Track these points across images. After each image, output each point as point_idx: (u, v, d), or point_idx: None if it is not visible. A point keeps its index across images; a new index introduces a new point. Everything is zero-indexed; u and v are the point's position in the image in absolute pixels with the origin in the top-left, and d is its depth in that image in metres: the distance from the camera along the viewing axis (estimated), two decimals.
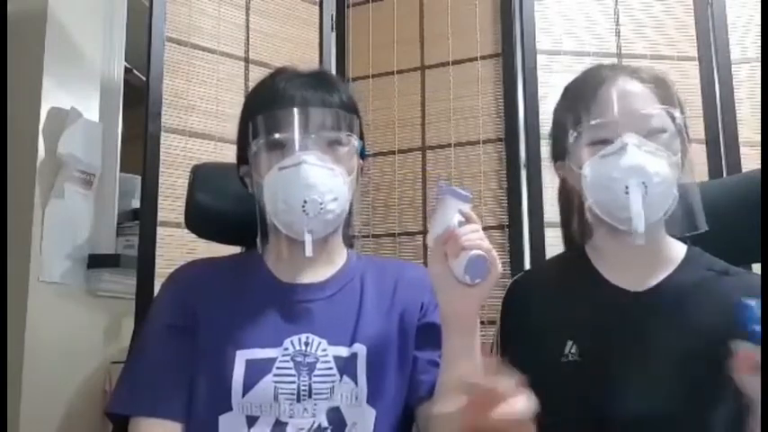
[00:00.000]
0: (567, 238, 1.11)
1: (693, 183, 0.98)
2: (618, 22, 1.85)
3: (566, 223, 1.10)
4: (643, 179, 0.90)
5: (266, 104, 0.98)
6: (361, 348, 0.96)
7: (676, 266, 0.99)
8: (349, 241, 1.13)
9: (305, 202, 0.91)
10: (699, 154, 1.76)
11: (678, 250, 1.01)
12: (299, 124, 0.95)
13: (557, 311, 1.00)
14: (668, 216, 0.96)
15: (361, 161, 1.03)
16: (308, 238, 0.92)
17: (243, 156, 1.02)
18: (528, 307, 1.03)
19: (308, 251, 0.92)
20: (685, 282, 0.97)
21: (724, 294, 0.95)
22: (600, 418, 0.92)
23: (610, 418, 0.91)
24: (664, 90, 0.97)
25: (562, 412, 0.93)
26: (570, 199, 1.06)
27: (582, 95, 0.99)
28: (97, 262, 1.89)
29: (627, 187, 0.91)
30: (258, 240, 1.01)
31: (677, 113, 0.96)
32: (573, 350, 0.95)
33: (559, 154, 1.04)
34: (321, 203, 0.92)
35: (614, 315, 0.97)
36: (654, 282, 0.98)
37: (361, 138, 1.03)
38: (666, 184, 0.92)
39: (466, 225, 0.91)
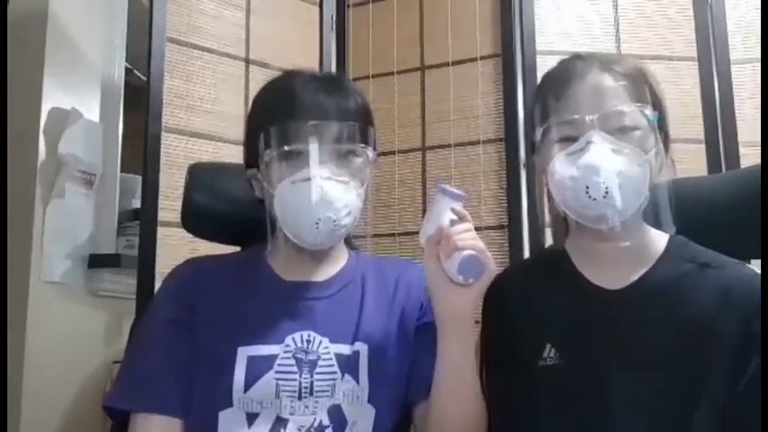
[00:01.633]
0: (553, 233, 1.10)
1: (665, 181, 0.95)
2: (618, 22, 1.85)
3: (551, 218, 1.08)
4: (604, 178, 0.88)
5: (280, 112, 0.97)
6: (362, 347, 0.97)
7: (655, 261, 0.97)
8: (350, 242, 1.13)
9: (319, 219, 0.91)
10: (698, 154, 1.76)
11: (658, 242, 0.99)
12: (314, 136, 0.93)
13: (535, 313, 0.99)
14: (642, 211, 0.94)
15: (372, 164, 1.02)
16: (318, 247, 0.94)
17: (251, 158, 1.01)
18: (506, 308, 1.01)
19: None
20: (664, 277, 0.95)
21: (704, 289, 0.93)
22: (581, 422, 0.91)
23: (591, 421, 0.90)
24: (638, 85, 0.94)
25: (541, 417, 0.92)
26: (547, 194, 1.03)
27: (552, 90, 0.96)
28: (98, 262, 1.89)
29: (587, 187, 0.88)
30: (269, 241, 1.00)
31: (648, 110, 0.93)
32: (551, 354, 0.94)
33: (534, 149, 1.02)
34: (335, 220, 0.92)
35: (592, 315, 0.95)
36: (633, 278, 0.96)
37: (374, 146, 1.01)
38: (633, 183, 0.90)
39: (458, 224, 0.90)
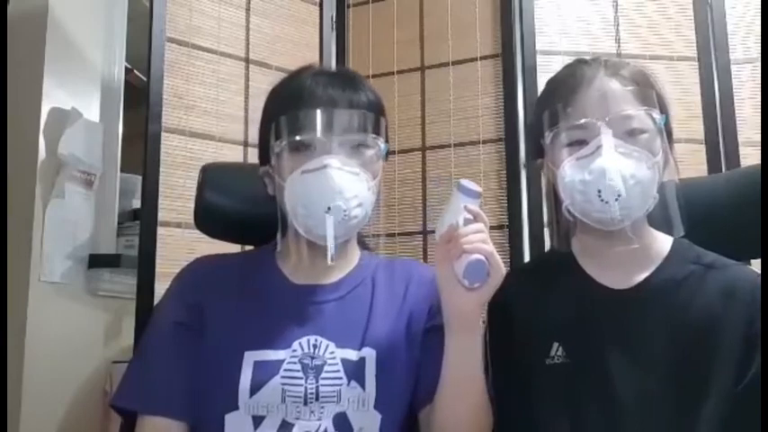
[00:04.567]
0: (555, 236, 1.10)
1: (673, 183, 0.97)
2: (618, 22, 1.85)
3: (552, 220, 1.09)
4: (616, 181, 0.89)
5: (291, 103, 0.96)
6: (370, 353, 0.95)
7: (661, 262, 0.98)
8: (363, 242, 1.12)
9: (328, 208, 0.90)
10: (698, 154, 1.76)
11: (663, 244, 1.00)
12: (325, 126, 0.92)
13: (541, 312, 0.99)
14: (649, 213, 0.95)
15: (383, 162, 1.01)
16: (330, 245, 0.90)
17: (264, 155, 1.00)
18: (512, 308, 1.02)
19: (330, 259, 0.90)
20: (670, 278, 0.97)
21: (708, 289, 0.94)
22: (588, 419, 0.91)
23: (598, 418, 0.91)
24: (644, 89, 0.96)
25: (549, 414, 0.93)
26: (553, 197, 1.04)
27: (560, 95, 0.97)
28: (98, 262, 1.89)
29: (599, 190, 0.90)
30: (278, 241, 0.99)
31: (656, 114, 0.94)
32: (559, 352, 0.95)
33: (538, 152, 1.03)
34: (345, 210, 0.91)
35: (599, 314, 0.96)
36: (639, 279, 0.97)
37: (387, 138, 1.00)
38: (643, 185, 0.91)
39: (471, 224, 0.89)
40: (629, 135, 0.93)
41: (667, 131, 0.97)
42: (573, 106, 0.95)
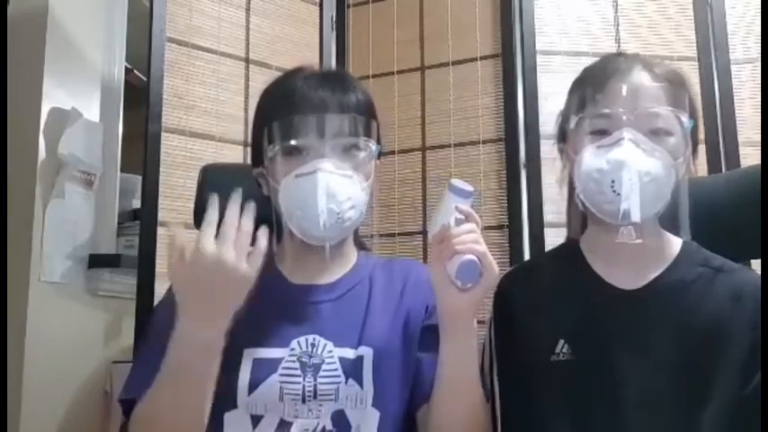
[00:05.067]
0: (569, 225, 1.10)
1: (686, 185, 0.96)
2: (618, 22, 1.85)
3: (567, 210, 1.09)
4: (631, 174, 0.88)
5: (283, 107, 0.97)
6: (367, 351, 0.96)
7: (670, 263, 0.98)
8: (360, 242, 1.12)
9: (322, 212, 0.91)
10: (698, 154, 1.76)
11: (673, 246, 1.00)
12: (316, 130, 0.94)
13: (547, 309, 0.99)
14: (659, 214, 0.95)
15: (377, 161, 1.02)
16: (327, 248, 0.92)
17: (257, 157, 1.01)
18: (517, 304, 1.02)
19: (327, 257, 0.92)
20: (678, 279, 0.97)
21: (717, 292, 0.94)
22: (592, 417, 0.91)
23: (602, 416, 0.91)
24: (677, 90, 0.95)
25: (552, 411, 0.93)
26: (569, 185, 1.04)
27: (592, 82, 0.97)
28: (98, 262, 1.89)
29: (613, 181, 0.89)
30: (273, 241, 1.00)
31: (684, 117, 0.94)
32: (564, 349, 0.95)
33: (563, 137, 1.03)
34: (338, 213, 0.92)
35: (606, 313, 0.96)
36: (647, 279, 0.97)
37: (379, 139, 1.01)
38: (657, 184, 0.91)
39: (462, 225, 0.90)
40: (654, 134, 0.92)
41: (693, 139, 0.97)
42: (602, 95, 0.95)
